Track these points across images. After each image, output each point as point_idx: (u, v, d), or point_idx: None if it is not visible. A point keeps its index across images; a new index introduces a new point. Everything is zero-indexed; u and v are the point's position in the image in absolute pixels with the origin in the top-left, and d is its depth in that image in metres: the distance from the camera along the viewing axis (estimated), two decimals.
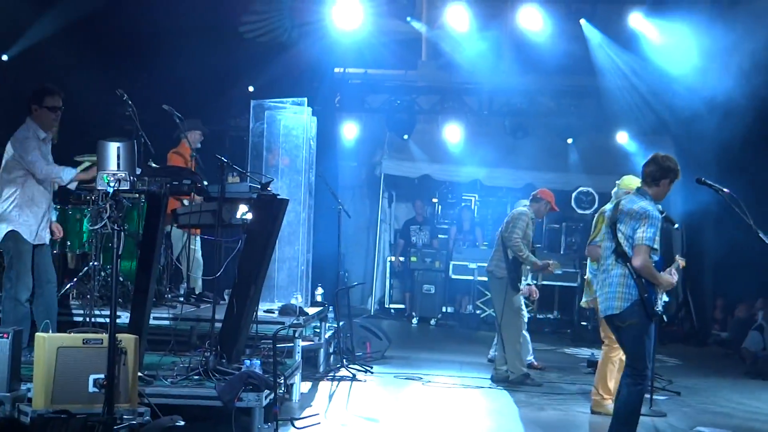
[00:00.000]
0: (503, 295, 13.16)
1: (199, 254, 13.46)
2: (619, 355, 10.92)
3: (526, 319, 13.60)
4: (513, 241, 13.07)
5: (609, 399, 11.08)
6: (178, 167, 11.59)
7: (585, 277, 11.80)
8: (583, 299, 12.02)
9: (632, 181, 11.05)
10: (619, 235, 8.64)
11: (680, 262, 11.06)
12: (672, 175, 8.81)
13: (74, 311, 11.09)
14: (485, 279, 14.80)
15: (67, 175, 10.13)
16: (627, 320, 8.59)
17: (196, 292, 13.10)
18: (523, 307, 13.55)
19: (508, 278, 13.15)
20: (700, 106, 17.78)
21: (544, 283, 20.08)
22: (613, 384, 11.13)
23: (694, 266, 20.77)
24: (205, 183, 9.57)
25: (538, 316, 21.20)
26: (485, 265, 13.88)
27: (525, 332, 13.86)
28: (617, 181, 11.43)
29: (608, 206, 11.03)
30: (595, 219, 11.63)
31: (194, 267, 13.27)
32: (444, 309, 21.18)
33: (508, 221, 13.35)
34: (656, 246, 8.53)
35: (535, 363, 14.71)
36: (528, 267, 13.39)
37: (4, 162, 10.15)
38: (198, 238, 13.18)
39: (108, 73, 15.09)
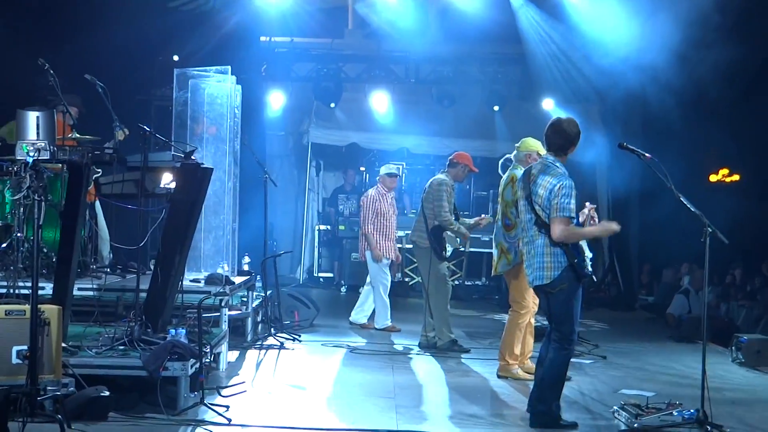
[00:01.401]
0: (428, 264, 13.20)
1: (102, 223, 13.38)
2: (527, 321, 11.05)
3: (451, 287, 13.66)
4: (443, 217, 13.01)
5: (515, 364, 11.21)
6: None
7: (499, 244, 11.64)
8: (501, 266, 11.72)
9: (532, 144, 11.12)
10: (536, 207, 8.62)
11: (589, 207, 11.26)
12: (578, 139, 8.79)
13: None
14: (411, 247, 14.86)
15: None
16: (558, 286, 8.63)
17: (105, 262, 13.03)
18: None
19: (431, 248, 13.18)
20: (627, 72, 17.88)
21: (472, 250, 20.22)
22: (519, 349, 11.25)
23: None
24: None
25: (466, 282, 21.32)
26: None
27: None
28: (516, 144, 11.42)
29: (506, 175, 11.06)
30: (502, 188, 11.41)
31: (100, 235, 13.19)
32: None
33: (430, 192, 13.24)
34: (574, 215, 8.55)
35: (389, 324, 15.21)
36: (456, 237, 13.39)
37: None
38: (98, 203, 13.03)
39: (30, 43, 14.89)
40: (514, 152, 11.37)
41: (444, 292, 13.25)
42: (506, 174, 11.36)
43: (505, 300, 17.62)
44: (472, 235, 14.17)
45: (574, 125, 8.76)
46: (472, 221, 13.62)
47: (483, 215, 14.26)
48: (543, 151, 10.80)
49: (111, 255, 13.24)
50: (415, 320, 14.86)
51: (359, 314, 15.33)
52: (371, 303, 15.26)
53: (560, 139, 8.75)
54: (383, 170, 15.52)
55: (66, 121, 12.30)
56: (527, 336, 11.28)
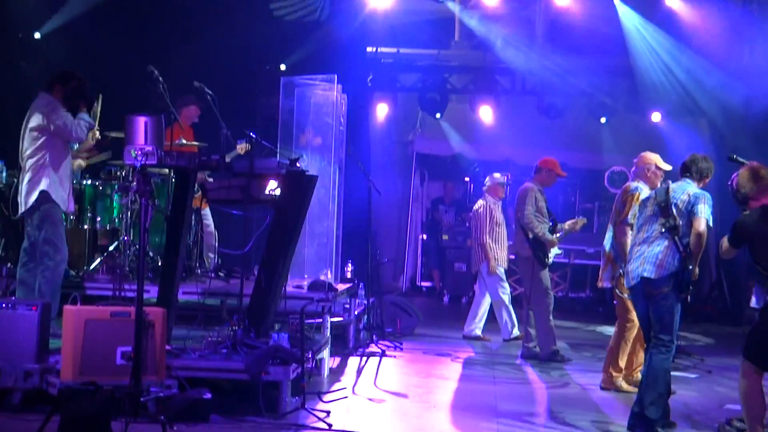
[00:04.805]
0: (530, 274, 13.14)
1: (211, 227, 13.51)
2: (633, 334, 10.91)
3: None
4: (525, 219, 13.05)
5: (619, 376, 11.08)
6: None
7: (607, 254, 11.51)
8: (606, 279, 11.59)
9: (651, 157, 10.99)
10: (673, 210, 8.85)
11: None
12: (710, 172, 9.30)
13: (104, 285, 11.17)
14: (513, 257, 14.85)
15: (86, 123, 10.16)
16: (660, 288, 8.76)
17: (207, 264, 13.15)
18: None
19: (533, 256, 13.11)
20: (736, 88, 17.64)
21: (576, 262, 20.08)
22: (624, 362, 11.10)
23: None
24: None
25: (570, 294, 21.18)
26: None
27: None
28: (635, 160, 11.26)
29: (634, 184, 10.91)
30: (622, 197, 11.09)
31: (207, 238, 13.33)
32: (475, 287, 21.09)
33: (517, 200, 13.33)
34: (711, 224, 8.86)
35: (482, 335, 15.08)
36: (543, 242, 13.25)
37: (27, 130, 10.10)
38: (207, 209, 13.19)
39: (139, 51, 15.09)
40: (633, 168, 11.24)
41: (546, 304, 13.13)
42: (623, 187, 11.23)
43: (610, 312, 17.49)
44: (576, 247, 14.06)
45: (706, 161, 9.30)
46: (567, 224, 13.49)
47: (578, 217, 14.11)
48: (662, 164, 10.82)
49: (217, 260, 13.38)
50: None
51: (473, 325, 15.19)
52: (483, 314, 15.14)
53: (694, 171, 9.20)
54: (493, 179, 15.47)
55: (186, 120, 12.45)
56: (638, 349, 11.09)
